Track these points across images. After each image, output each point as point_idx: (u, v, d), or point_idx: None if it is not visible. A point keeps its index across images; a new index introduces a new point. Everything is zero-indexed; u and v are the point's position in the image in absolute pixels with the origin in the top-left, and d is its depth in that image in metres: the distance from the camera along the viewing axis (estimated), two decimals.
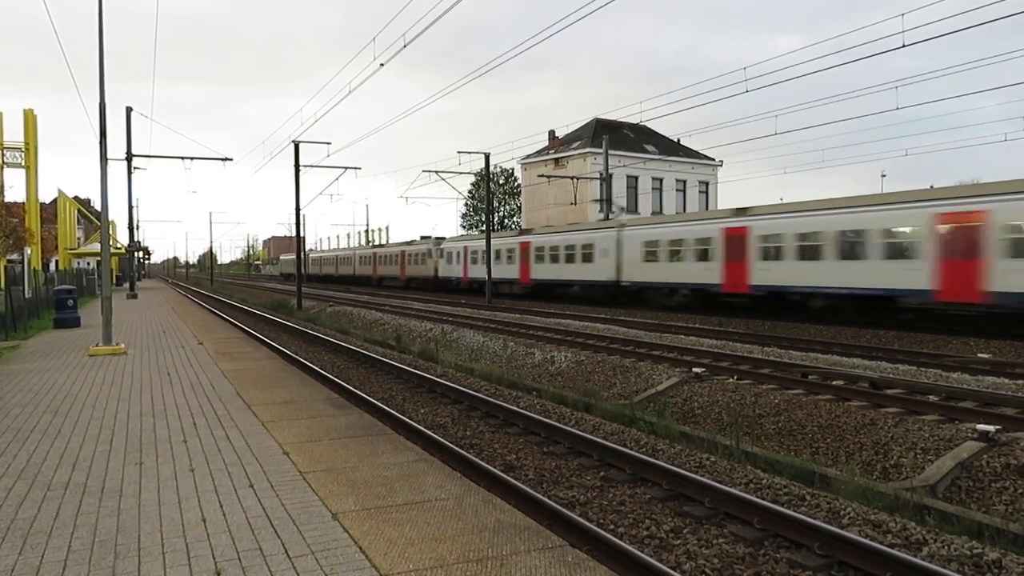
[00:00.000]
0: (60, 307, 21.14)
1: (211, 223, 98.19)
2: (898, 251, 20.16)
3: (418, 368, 14.73)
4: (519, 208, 65.62)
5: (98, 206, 29.76)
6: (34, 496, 5.48)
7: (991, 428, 8.27)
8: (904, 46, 17.44)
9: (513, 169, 70.42)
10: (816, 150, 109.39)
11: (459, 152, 55.23)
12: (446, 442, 8.63)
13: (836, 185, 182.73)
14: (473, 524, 4.81)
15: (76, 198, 72.15)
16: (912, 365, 13.53)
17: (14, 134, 40.97)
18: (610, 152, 42.80)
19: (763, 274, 24.05)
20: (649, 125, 56.00)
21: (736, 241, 25.10)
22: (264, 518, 4.94)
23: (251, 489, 5.57)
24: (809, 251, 22.46)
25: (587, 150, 50.81)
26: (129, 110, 35.88)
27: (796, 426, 10.08)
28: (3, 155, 40.07)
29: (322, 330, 23.81)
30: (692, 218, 27.89)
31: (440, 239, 52.56)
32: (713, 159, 56.38)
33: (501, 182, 71.86)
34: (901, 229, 20.22)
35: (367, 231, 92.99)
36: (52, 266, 54.22)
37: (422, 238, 57.05)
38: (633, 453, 8.00)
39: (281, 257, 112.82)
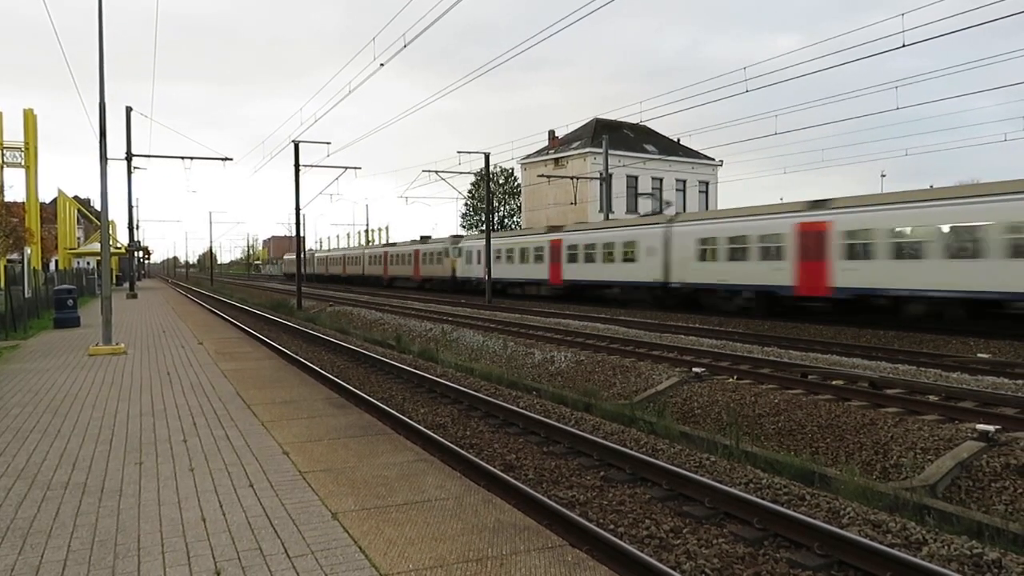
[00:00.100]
0: (60, 307, 21.16)
1: (211, 223, 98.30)
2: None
3: (418, 368, 14.73)
4: (519, 208, 65.64)
5: (98, 206, 29.79)
6: (34, 496, 5.48)
7: (991, 428, 8.28)
8: (904, 46, 17.43)
9: (513, 169, 70.54)
10: (816, 150, 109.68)
11: (459, 152, 55.34)
12: (446, 442, 8.62)
13: (836, 185, 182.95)
14: (473, 524, 4.81)
15: (76, 198, 72.17)
16: (912, 365, 13.53)
17: (14, 134, 41.03)
18: (610, 152, 42.81)
19: (849, 275, 21.29)
20: (649, 125, 56.10)
21: (814, 237, 22.35)
22: (264, 518, 4.94)
23: (251, 489, 5.58)
24: (909, 248, 19.92)
25: (587, 150, 50.86)
26: (129, 110, 35.94)
27: (796, 426, 10.08)
28: (3, 155, 40.07)
29: (322, 330, 23.81)
30: (757, 212, 25.21)
31: (458, 237, 50.51)
32: (713, 159, 56.43)
33: (501, 182, 71.85)
34: None
35: (367, 231, 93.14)
36: (52, 266, 54.24)
37: (422, 238, 56.84)
38: (633, 453, 8.00)
39: (285, 256, 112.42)
